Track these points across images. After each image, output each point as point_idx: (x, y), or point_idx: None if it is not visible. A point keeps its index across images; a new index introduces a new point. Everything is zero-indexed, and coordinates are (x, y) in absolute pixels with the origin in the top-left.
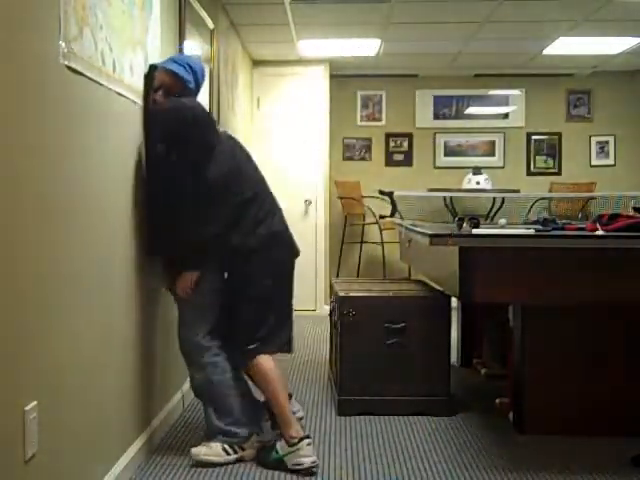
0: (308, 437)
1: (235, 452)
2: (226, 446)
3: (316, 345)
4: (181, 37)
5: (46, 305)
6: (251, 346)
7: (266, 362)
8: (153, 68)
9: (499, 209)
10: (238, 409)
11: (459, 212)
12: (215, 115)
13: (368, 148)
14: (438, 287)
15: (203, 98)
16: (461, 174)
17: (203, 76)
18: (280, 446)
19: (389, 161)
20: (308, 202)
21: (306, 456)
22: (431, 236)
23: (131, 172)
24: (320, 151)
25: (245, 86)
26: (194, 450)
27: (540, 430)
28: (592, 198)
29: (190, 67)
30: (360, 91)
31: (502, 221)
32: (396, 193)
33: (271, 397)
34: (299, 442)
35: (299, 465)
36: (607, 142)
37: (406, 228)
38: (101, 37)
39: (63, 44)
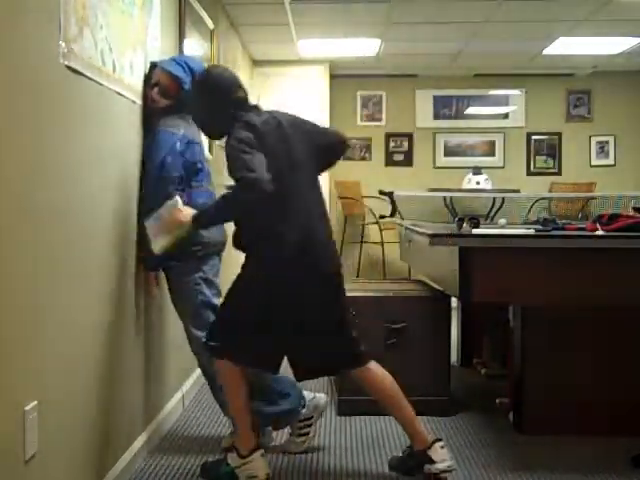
0: (261, 448)
1: (308, 426)
2: (300, 432)
3: None
4: (181, 37)
5: (46, 305)
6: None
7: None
8: (153, 65)
9: (499, 209)
10: (278, 384)
11: (459, 212)
12: None
13: (368, 148)
14: (438, 287)
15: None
16: (461, 174)
17: None
18: (232, 459)
19: (389, 161)
20: None
21: (260, 468)
22: (431, 236)
23: (131, 172)
24: None
25: (245, 86)
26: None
27: (540, 430)
28: (592, 198)
29: (189, 67)
30: (360, 91)
31: (502, 221)
32: (396, 193)
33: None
34: (251, 454)
35: (253, 478)
36: (607, 142)
37: (406, 228)
38: (101, 37)
39: (63, 44)
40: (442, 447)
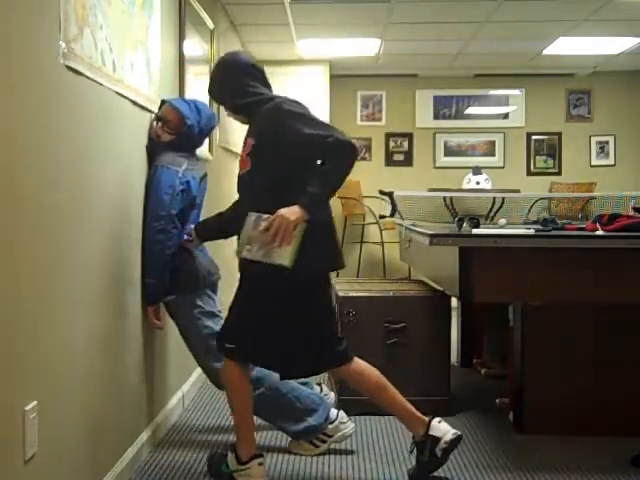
0: (261, 456)
1: (323, 442)
2: (313, 441)
3: None
4: (181, 37)
5: (46, 305)
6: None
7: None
8: (162, 102)
9: (499, 209)
10: (301, 402)
11: (459, 212)
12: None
13: (368, 148)
14: (438, 287)
15: (202, 100)
16: (461, 174)
17: (209, 121)
18: (230, 461)
19: (389, 161)
20: None
21: (256, 476)
22: (431, 236)
23: (132, 172)
24: None
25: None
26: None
27: (540, 430)
28: (592, 198)
29: (196, 107)
30: (360, 91)
31: (502, 221)
32: (396, 193)
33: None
34: (249, 461)
35: None
36: (607, 142)
37: (406, 228)
38: (101, 37)
39: (63, 44)
40: (439, 422)
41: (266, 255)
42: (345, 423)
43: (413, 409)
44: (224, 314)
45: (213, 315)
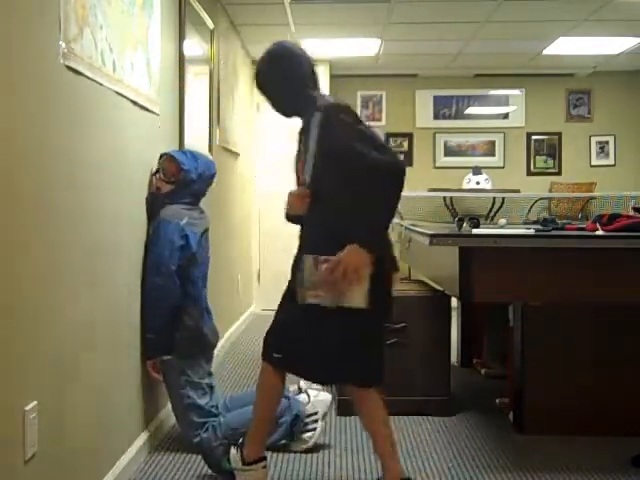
0: (265, 459)
1: (315, 421)
2: (305, 427)
3: None
4: (181, 37)
5: (47, 305)
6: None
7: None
8: (161, 156)
9: (499, 209)
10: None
11: (459, 212)
12: (215, 116)
13: None
14: (438, 287)
15: (202, 100)
16: (461, 174)
17: (207, 168)
18: (233, 458)
19: None
20: None
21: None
22: (431, 236)
23: (131, 172)
24: None
25: (245, 86)
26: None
27: (540, 430)
28: (592, 198)
29: (193, 156)
30: (360, 91)
31: (502, 221)
32: None
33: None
34: (255, 463)
35: None
36: (607, 142)
37: (406, 228)
38: (101, 37)
39: (63, 44)
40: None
41: (337, 298)
42: (318, 395)
43: (397, 462)
44: (214, 381)
45: (199, 387)
